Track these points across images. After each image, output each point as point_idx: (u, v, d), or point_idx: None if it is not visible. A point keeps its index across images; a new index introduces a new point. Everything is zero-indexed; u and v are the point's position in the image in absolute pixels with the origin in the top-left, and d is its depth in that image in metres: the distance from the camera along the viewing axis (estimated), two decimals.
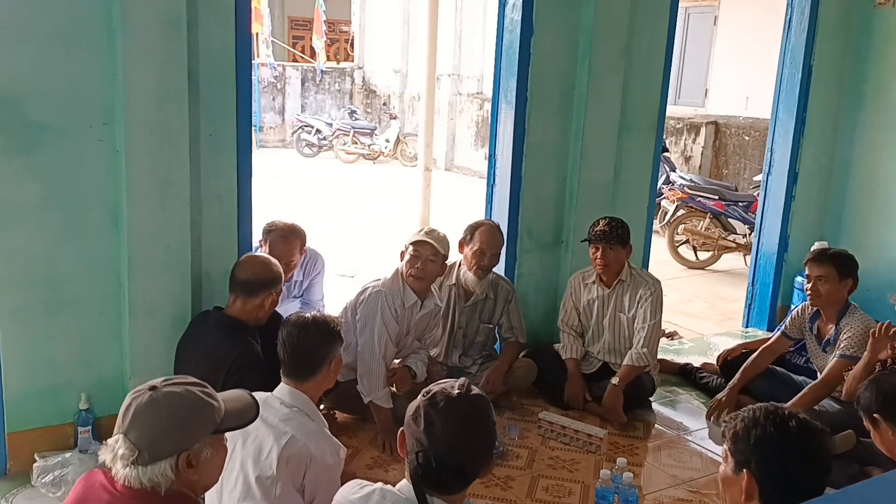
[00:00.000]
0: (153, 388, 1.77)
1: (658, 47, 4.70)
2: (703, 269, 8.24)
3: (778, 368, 4.27)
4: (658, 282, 4.17)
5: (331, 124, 15.87)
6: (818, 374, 4.08)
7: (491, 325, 4.20)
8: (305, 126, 15.94)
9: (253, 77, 3.69)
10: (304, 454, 2.35)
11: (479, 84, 15.21)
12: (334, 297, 4.63)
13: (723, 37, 11.58)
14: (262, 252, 3.82)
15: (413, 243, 3.70)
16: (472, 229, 4.11)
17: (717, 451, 3.87)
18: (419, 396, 1.87)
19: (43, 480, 3.19)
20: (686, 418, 4.24)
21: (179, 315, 3.42)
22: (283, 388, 2.53)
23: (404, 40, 17.14)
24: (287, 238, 3.94)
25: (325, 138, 15.74)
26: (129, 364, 3.39)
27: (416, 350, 3.89)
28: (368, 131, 15.93)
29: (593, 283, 4.23)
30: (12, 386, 3.25)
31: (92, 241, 3.28)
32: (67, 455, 3.28)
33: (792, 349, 4.32)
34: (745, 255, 8.24)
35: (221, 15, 3.38)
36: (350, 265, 7.16)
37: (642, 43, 4.60)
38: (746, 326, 5.86)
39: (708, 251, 8.29)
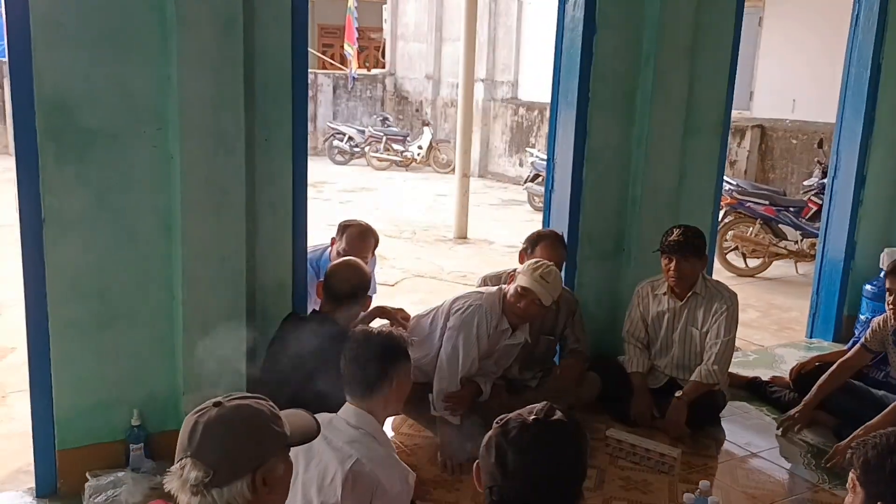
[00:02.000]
0: (218, 403, 1.62)
1: (724, 45, 4.49)
2: (752, 276, 7.99)
3: (857, 383, 4.03)
4: (734, 295, 3.95)
5: (363, 131, 15.79)
6: None
7: (552, 338, 4.01)
8: (337, 133, 15.87)
9: None
10: (370, 480, 2.19)
11: (513, 89, 15.03)
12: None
13: (768, 38, 11.32)
14: (339, 248, 3.85)
15: (525, 289, 3.47)
16: (534, 241, 3.94)
17: (795, 469, 3.65)
18: (494, 425, 1.69)
19: (95, 501, 3.05)
20: (759, 435, 4.01)
21: (234, 329, 3.26)
22: (347, 409, 2.37)
23: (437, 46, 17.02)
24: (364, 236, 3.92)
25: (357, 145, 15.66)
26: (182, 379, 3.26)
27: (488, 373, 3.72)
28: (401, 138, 15.81)
29: (664, 294, 4.02)
30: (63, 402, 3.13)
31: (144, 251, 3.15)
32: (120, 474, 3.15)
33: (870, 363, 4.07)
34: (796, 262, 7.99)
35: (278, 15, 3.24)
36: (389, 273, 7.02)
37: (708, 40, 4.39)
38: (811, 337, 5.61)
39: (758, 258, 8.03)
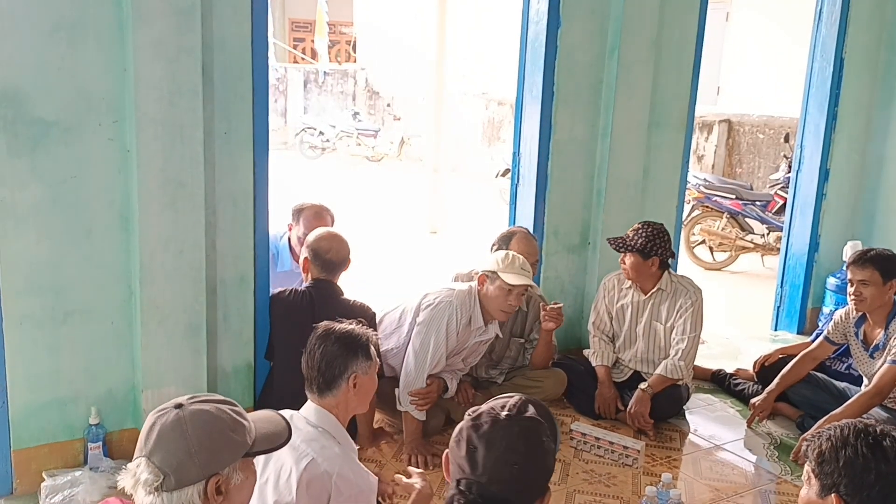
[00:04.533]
0: (179, 405, 1.59)
1: (688, 39, 4.51)
2: (720, 270, 8.06)
3: (819, 374, 4.07)
4: (699, 290, 3.97)
5: (334, 126, 15.70)
6: (863, 380, 3.89)
7: (521, 339, 4.00)
8: (308, 128, 15.77)
9: None
10: (325, 480, 2.14)
11: (485, 84, 15.02)
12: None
13: (734, 34, 11.40)
14: (297, 233, 3.86)
15: (515, 286, 3.44)
16: (506, 239, 3.90)
17: (759, 461, 3.68)
18: (465, 417, 1.67)
19: (52, 501, 2.99)
20: (722, 427, 4.03)
21: (193, 323, 3.23)
22: (309, 406, 2.33)
23: (408, 41, 16.95)
24: (321, 215, 3.91)
25: (328, 140, 15.57)
26: (140, 376, 3.20)
27: (455, 370, 3.70)
28: (372, 133, 15.75)
29: (629, 287, 4.03)
30: (18, 400, 3.06)
31: (100, 245, 3.09)
32: (77, 473, 3.09)
33: (833, 355, 4.12)
34: (762, 256, 8.07)
35: (236, 6, 3.19)
36: (360, 268, 6.96)
37: (672, 34, 4.40)
38: (775, 329, 5.65)
39: (725, 252, 8.11)
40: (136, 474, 1.53)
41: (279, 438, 1.73)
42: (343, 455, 2.25)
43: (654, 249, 3.85)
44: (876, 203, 5.45)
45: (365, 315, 3.47)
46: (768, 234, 8.06)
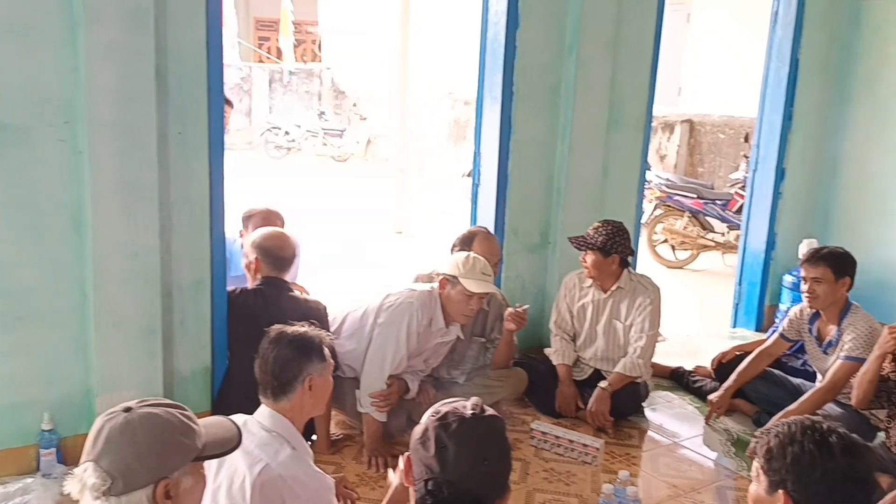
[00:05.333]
0: (128, 409, 1.58)
1: (646, 40, 4.56)
2: (681, 268, 8.16)
3: (775, 371, 4.13)
4: (658, 289, 4.02)
5: (299, 126, 15.61)
6: (818, 376, 3.97)
7: (483, 339, 4.00)
8: (273, 128, 15.68)
9: None
10: (279, 485, 2.12)
11: (451, 84, 15.03)
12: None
13: (695, 34, 11.54)
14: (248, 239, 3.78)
15: (480, 294, 3.44)
16: (467, 240, 3.88)
17: (717, 458, 3.73)
18: (427, 416, 1.67)
19: None
20: (680, 424, 4.09)
21: (148, 327, 3.19)
22: (263, 411, 2.31)
23: (373, 40, 16.91)
24: (270, 220, 3.93)
25: (293, 140, 15.48)
26: (95, 381, 3.15)
27: (417, 371, 3.70)
28: (338, 133, 15.70)
29: (589, 286, 4.06)
30: None
31: (53, 249, 3.04)
32: (29, 480, 3.04)
33: (788, 351, 4.19)
34: (723, 254, 8.19)
35: (190, 6, 3.15)
36: (326, 269, 6.92)
37: (630, 34, 4.45)
38: (734, 327, 5.74)
39: (686, 250, 8.21)
40: (82, 479, 1.52)
41: (230, 443, 1.72)
42: (297, 458, 2.23)
43: (614, 247, 3.89)
44: (831, 202, 5.56)
45: (316, 310, 3.48)
46: (728, 232, 8.18)
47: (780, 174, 5.44)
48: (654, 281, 4.08)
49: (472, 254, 3.56)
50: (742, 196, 8.24)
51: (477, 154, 4.39)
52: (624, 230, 3.94)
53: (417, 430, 1.66)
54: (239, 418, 2.32)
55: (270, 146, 15.53)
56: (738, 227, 8.03)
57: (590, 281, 4.05)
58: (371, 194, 11.81)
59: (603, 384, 3.87)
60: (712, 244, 8.12)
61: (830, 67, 5.42)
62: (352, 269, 7.14)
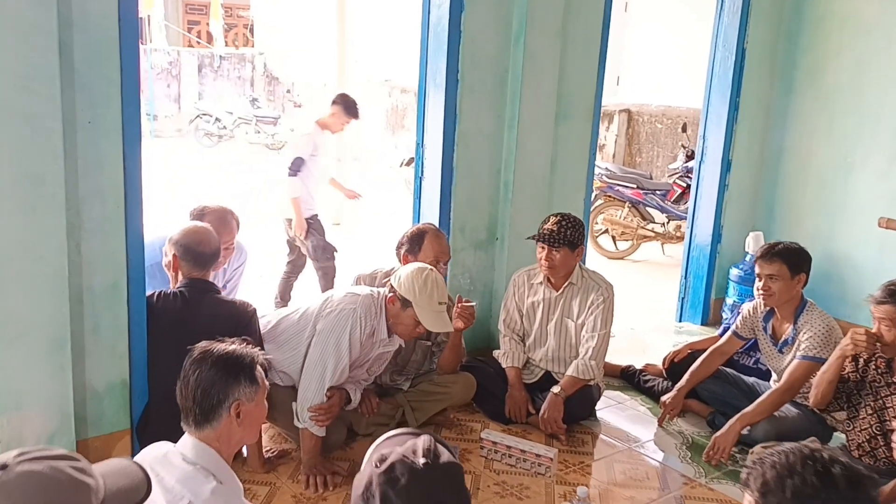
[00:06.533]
0: (4, 466, 1.29)
1: (594, 28, 4.36)
2: (622, 258, 8.10)
3: (728, 370, 4.01)
4: (611, 286, 3.84)
5: (231, 113, 15.08)
6: (772, 374, 3.86)
7: (428, 342, 3.76)
8: (204, 114, 15.10)
9: (146, 62, 3.13)
10: None
11: (387, 71, 14.70)
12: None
13: (633, 24, 11.50)
14: None
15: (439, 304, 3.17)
16: (417, 239, 3.61)
17: (671, 463, 3.58)
18: (370, 466, 1.42)
19: None
20: (634, 426, 3.93)
21: (56, 337, 2.84)
22: (186, 440, 2.03)
23: (308, 25, 16.43)
24: (225, 219, 3.60)
25: (225, 127, 14.95)
26: None
27: (359, 381, 3.43)
28: (272, 120, 15.23)
29: (540, 283, 3.86)
30: None
31: None
32: None
33: (741, 349, 4.07)
34: (662, 244, 8.16)
35: None
36: (258, 262, 6.58)
37: (578, 22, 4.24)
38: (679, 321, 5.64)
39: (627, 241, 8.16)
40: None
41: (136, 495, 1.44)
42: (225, 494, 1.96)
43: (579, 240, 3.72)
44: (775, 194, 5.50)
45: (245, 313, 3.20)
46: (668, 222, 8.15)
47: (727, 166, 5.34)
48: (605, 278, 3.90)
49: (430, 274, 3.20)
50: (680, 186, 8.25)
51: (420, 145, 4.13)
52: (581, 222, 3.77)
53: (359, 483, 1.41)
54: (160, 448, 2.04)
55: (201, 134, 14.96)
56: (677, 218, 8.03)
57: (540, 278, 3.85)
58: None
59: (556, 389, 3.67)
60: (652, 234, 8.08)
61: (775, 58, 5.34)
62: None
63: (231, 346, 2.09)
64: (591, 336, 3.74)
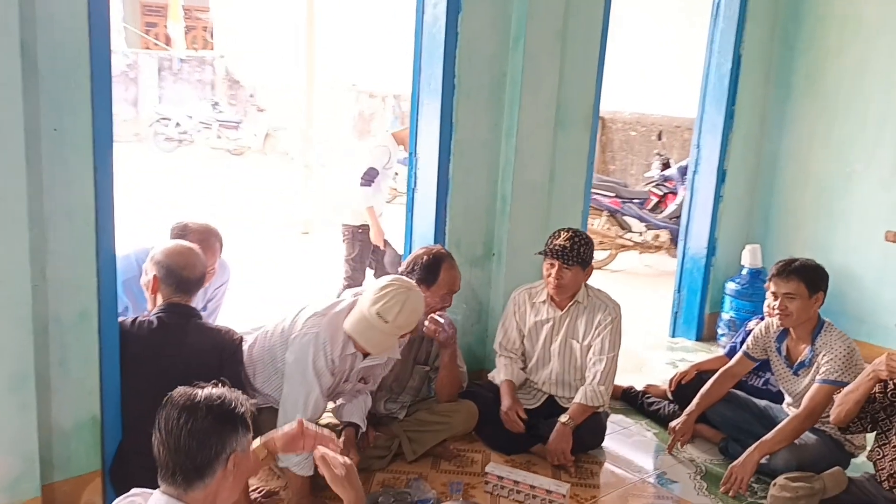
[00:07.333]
0: None
1: (594, 31, 4.14)
2: (601, 269, 7.90)
3: (739, 393, 3.80)
4: (618, 306, 3.61)
5: (192, 117, 14.64)
6: (784, 396, 3.67)
7: (426, 367, 3.49)
8: (163, 118, 14.63)
9: None
10: None
11: (354, 76, 14.39)
12: None
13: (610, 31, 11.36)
14: None
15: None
16: (433, 267, 3.31)
17: (687, 495, 3.36)
18: None
19: None
20: (642, 455, 3.70)
21: (18, 373, 2.51)
22: (158, 500, 1.75)
23: (270, 28, 16.04)
24: (207, 240, 3.33)
25: (185, 132, 14.50)
26: None
27: (356, 392, 3.14)
28: (234, 124, 14.83)
29: (543, 302, 3.61)
30: None
31: None
32: None
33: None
34: (640, 254, 8.01)
35: None
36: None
37: (578, 25, 4.01)
38: (673, 336, 5.44)
39: (605, 250, 7.97)
40: None
41: None
42: None
43: (590, 258, 3.52)
44: (770, 204, 5.34)
45: (231, 342, 2.91)
46: (646, 231, 8.00)
47: (721, 176, 5.16)
48: (612, 297, 3.67)
49: (405, 293, 2.84)
50: (656, 195, 8.12)
51: (413, 154, 3.85)
52: (591, 240, 3.58)
53: None
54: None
55: (160, 138, 14.48)
56: (654, 227, 7.90)
57: (543, 296, 3.61)
58: (271, 190, 11.09)
59: (564, 419, 3.42)
60: (630, 244, 7.93)
61: (771, 63, 5.18)
62: (257, 274, 6.47)
63: (216, 390, 1.82)
64: (599, 359, 3.51)
